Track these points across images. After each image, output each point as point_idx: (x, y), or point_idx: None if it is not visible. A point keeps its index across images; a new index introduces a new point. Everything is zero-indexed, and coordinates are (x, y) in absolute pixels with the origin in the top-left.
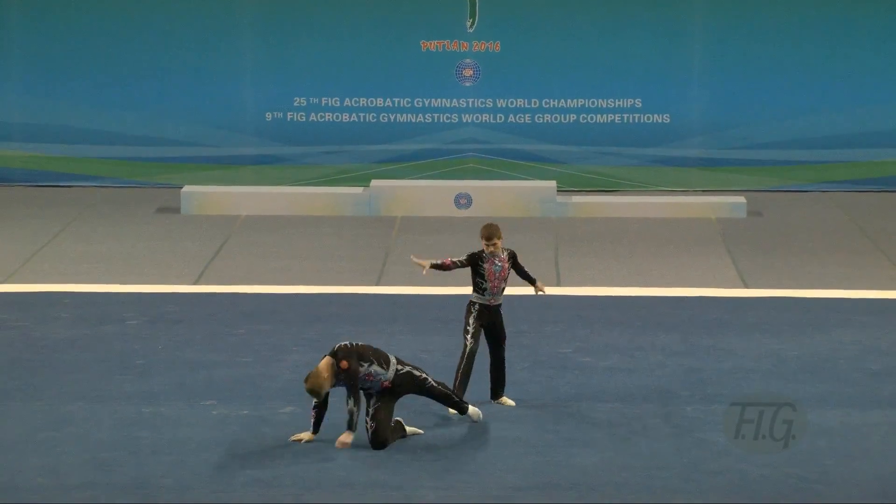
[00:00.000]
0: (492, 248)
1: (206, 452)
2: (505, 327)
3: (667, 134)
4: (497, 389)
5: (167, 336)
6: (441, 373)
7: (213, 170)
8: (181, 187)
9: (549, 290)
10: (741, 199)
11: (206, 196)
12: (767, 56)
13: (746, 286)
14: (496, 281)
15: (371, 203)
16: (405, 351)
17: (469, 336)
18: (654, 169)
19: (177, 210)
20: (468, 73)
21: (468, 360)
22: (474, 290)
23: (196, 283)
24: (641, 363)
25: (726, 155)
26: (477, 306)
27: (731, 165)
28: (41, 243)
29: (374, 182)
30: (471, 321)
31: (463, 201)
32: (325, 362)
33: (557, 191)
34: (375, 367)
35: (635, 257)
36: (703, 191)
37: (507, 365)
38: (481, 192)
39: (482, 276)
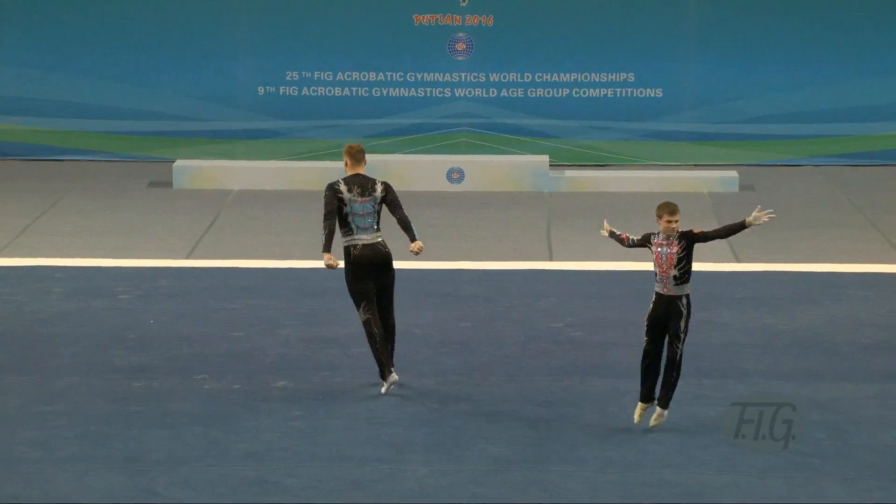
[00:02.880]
0: (666, 227)
1: (198, 426)
2: (678, 322)
3: (659, 108)
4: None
5: (160, 310)
6: (430, 347)
7: (205, 144)
8: (173, 161)
9: (542, 265)
10: (733, 174)
11: (198, 170)
12: (760, 30)
13: (738, 260)
14: (664, 267)
15: None
16: (397, 325)
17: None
18: (646, 143)
19: (169, 184)
20: (461, 47)
21: (642, 360)
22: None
23: (188, 257)
24: (634, 337)
25: (718, 129)
26: (653, 295)
27: (724, 140)
28: (33, 217)
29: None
30: (645, 316)
31: (455, 176)
32: None
33: (550, 165)
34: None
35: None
36: (695, 165)
37: (500, 340)
38: (474, 167)
39: (653, 261)
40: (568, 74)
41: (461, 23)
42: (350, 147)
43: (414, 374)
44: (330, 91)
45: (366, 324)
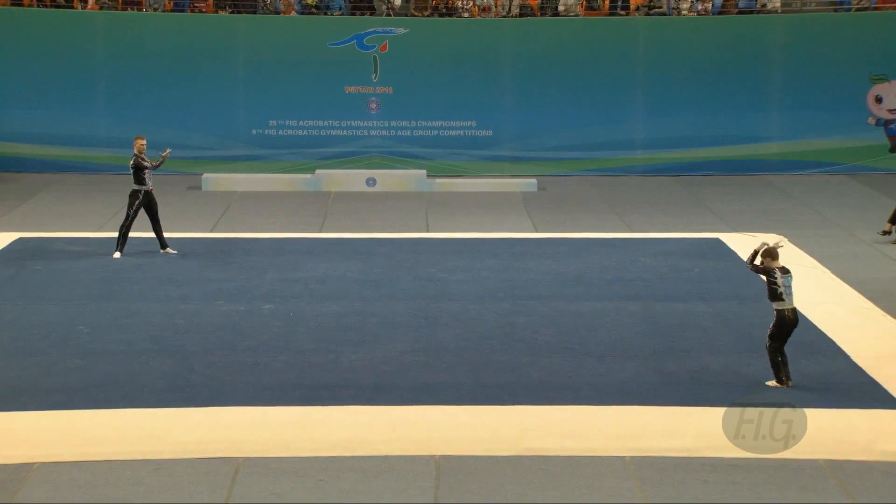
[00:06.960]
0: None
1: (219, 331)
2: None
3: (490, 142)
4: None
5: (194, 262)
6: (356, 283)
7: (221, 164)
8: (202, 174)
9: (422, 235)
10: (534, 180)
11: (217, 179)
12: (552, 95)
13: (537, 231)
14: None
15: (316, 183)
16: (335, 272)
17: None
18: (483, 162)
19: (199, 187)
20: (373, 105)
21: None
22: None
23: (211, 231)
24: (476, 276)
25: (525, 154)
26: (783, 310)
27: (528, 160)
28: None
29: (317, 171)
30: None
31: (371, 182)
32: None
33: (427, 175)
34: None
35: (473, 214)
36: (512, 175)
37: (398, 279)
38: (382, 177)
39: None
40: (437, 122)
41: (373, 91)
42: (141, 139)
43: (349, 297)
44: (296, 132)
45: (129, 222)
